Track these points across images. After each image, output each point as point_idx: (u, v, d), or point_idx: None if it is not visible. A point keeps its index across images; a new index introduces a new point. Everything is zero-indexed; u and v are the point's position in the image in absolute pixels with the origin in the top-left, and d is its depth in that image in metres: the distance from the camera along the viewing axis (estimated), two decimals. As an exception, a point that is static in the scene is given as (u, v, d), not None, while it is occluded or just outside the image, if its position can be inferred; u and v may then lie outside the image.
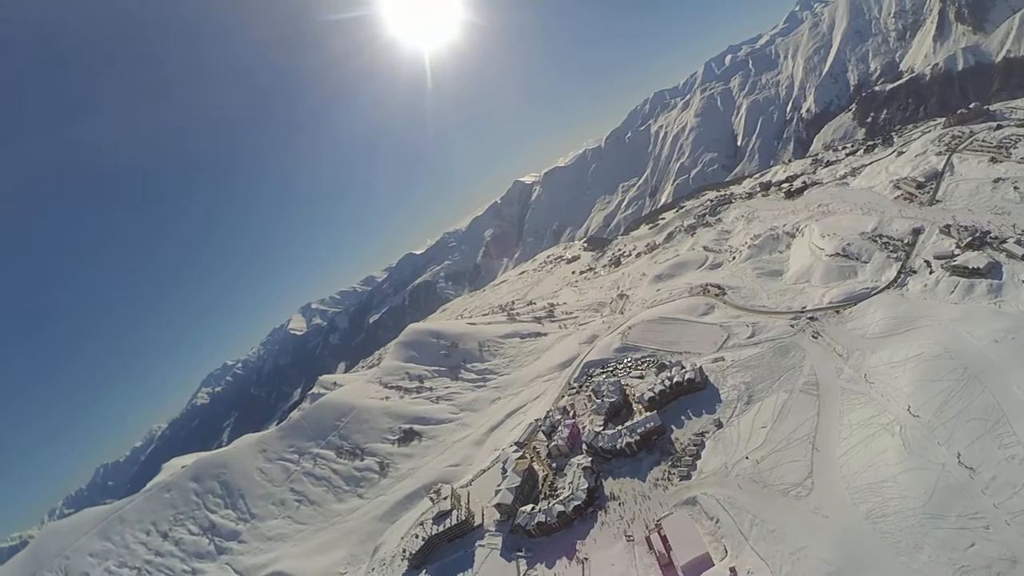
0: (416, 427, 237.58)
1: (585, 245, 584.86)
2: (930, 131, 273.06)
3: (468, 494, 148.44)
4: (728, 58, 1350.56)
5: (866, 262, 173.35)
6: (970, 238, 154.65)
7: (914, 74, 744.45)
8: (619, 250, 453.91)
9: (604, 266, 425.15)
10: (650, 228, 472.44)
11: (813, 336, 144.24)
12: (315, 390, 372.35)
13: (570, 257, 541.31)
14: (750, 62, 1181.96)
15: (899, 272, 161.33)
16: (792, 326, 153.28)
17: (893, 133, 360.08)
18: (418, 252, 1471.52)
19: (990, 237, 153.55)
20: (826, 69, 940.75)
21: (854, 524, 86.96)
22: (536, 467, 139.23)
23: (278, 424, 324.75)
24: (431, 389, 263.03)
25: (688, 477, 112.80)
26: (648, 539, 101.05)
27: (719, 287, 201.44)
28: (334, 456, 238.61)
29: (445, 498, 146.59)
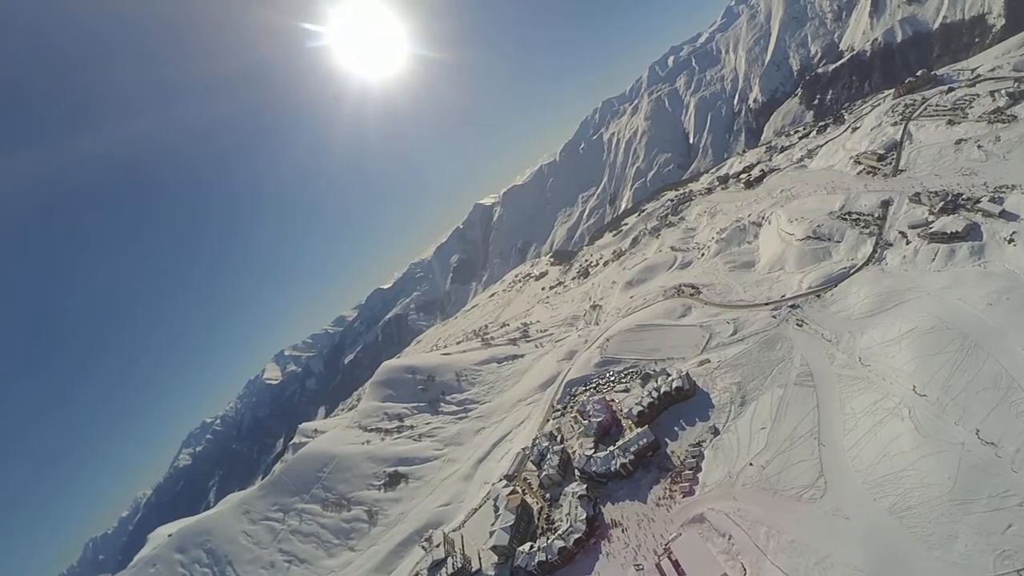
0: (401, 469, 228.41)
1: (552, 260, 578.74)
2: (880, 104, 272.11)
3: (462, 537, 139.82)
4: (671, 59, 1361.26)
5: (839, 241, 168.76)
6: (942, 203, 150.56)
7: (855, 52, 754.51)
8: (586, 261, 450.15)
9: (573, 279, 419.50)
10: (614, 235, 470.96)
11: (797, 324, 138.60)
12: (296, 439, 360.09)
13: (538, 274, 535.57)
14: (693, 60, 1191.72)
15: (875, 247, 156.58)
16: (774, 317, 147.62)
17: (843, 111, 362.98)
18: (386, 286, 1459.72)
19: (963, 199, 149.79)
20: (768, 58, 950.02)
21: (878, 522, 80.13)
22: (529, 500, 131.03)
23: (263, 478, 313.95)
24: (412, 427, 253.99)
25: (691, 493, 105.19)
26: (659, 566, 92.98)
27: (693, 286, 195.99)
28: (320, 510, 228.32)
29: (437, 545, 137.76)
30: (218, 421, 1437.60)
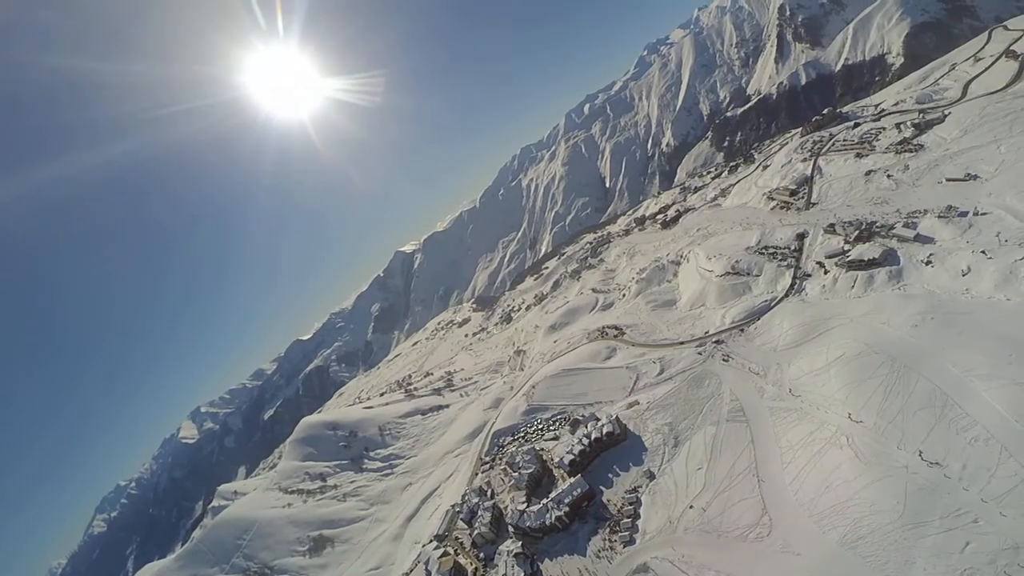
0: (326, 532, 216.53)
1: (474, 306, 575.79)
2: (788, 142, 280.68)
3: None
4: (586, 107, 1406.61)
5: (758, 275, 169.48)
6: (857, 232, 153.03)
7: (761, 95, 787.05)
8: (508, 306, 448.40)
9: (496, 324, 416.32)
10: (535, 279, 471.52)
11: (724, 359, 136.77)
12: (215, 503, 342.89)
13: (460, 320, 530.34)
14: (608, 107, 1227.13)
15: (794, 278, 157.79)
16: (700, 354, 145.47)
17: (752, 151, 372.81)
18: (305, 337, 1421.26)
19: (877, 227, 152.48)
20: (679, 104, 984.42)
21: (831, 555, 76.61)
22: (463, 561, 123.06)
23: (183, 545, 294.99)
24: (336, 486, 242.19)
25: (632, 542, 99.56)
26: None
27: (616, 327, 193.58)
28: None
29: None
30: (133, 484, 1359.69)
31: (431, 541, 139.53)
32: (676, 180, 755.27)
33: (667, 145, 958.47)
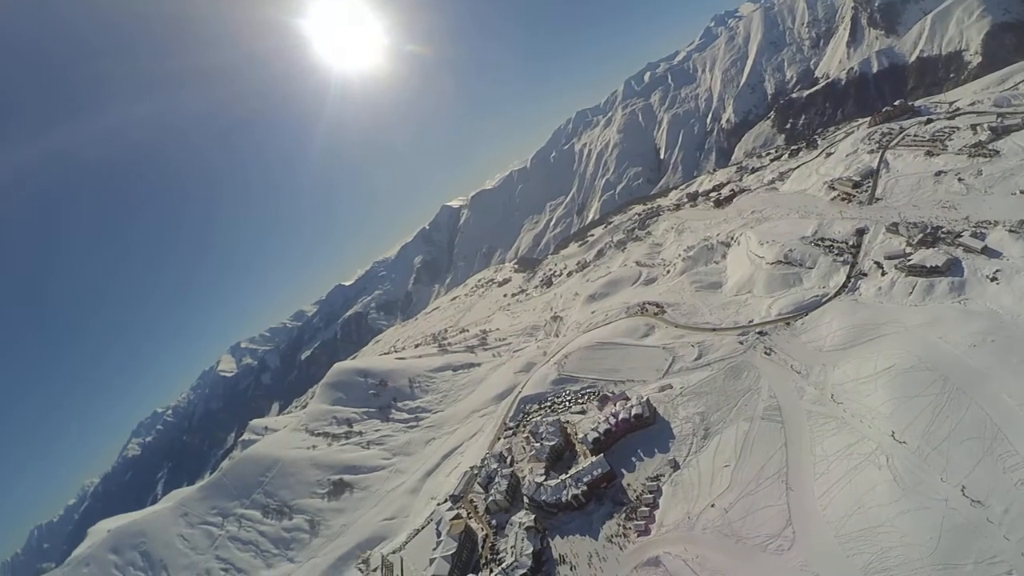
0: (346, 478, 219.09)
1: (516, 267, 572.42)
2: (855, 131, 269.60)
3: (401, 561, 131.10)
4: (647, 75, 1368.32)
5: (811, 268, 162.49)
6: (921, 235, 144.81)
7: (830, 79, 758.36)
8: (550, 270, 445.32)
9: (536, 287, 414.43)
10: (580, 246, 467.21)
11: (765, 353, 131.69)
12: (246, 436, 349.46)
13: (501, 280, 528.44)
14: (669, 77, 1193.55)
15: (848, 276, 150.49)
16: (741, 343, 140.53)
17: (816, 136, 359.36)
18: (348, 283, 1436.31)
19: (943, 232, 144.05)
20: (743, 80, 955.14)
21: (852, 583, 72.63)
22: (474, 526, 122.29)
23: (211, 474, 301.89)
24: (361, 433, 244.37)
25: (647, 532, 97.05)
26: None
27: (657, 305, 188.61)
28: (260, 516, 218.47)
29: (375, 569, 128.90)
30: (169, 412, 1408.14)
31: (446, 501, 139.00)
32: (733, 158, 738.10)
33: (727, 121, 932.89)
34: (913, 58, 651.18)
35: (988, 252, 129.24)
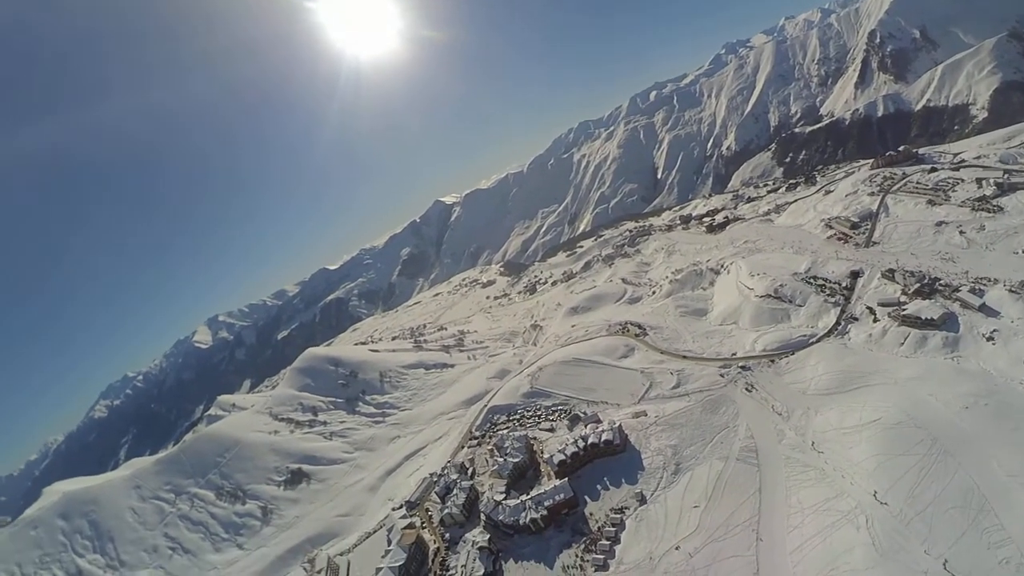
0: (305, 467, 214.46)
1: (501, 269, 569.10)
2: (856, 171, 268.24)
3: (348, 564, 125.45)
4: (653, 94, 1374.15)
5: (800, 305, 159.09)
6: (918, 284, 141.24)
7: (834, 118, 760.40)
8: (535, 277, 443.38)
9: (519, 293, 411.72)
10: (568, 256, 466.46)
11: (747, 389, 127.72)
12: (213, 411, 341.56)
13: (486, 281, 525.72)
14: (675, 98, 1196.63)
15: (839, 318, 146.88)
16: (722, 376, 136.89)
17: (815, 172, 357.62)
18: (332, 267, 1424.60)
19: (940, 284, 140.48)
20: (748, 109, 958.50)
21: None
22: (427, 536, 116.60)
23: (174, 445, 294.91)
24: (325, 423, 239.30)
25: (605, 567, 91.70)
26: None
27: (639, 326, 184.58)
28: (213, 498, 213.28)
29: (320, 571, 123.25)
30: (140, 377, 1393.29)
31: (401, 506, 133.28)
32: (730, 186, 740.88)
33: (727, 148, 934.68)
34: (919, 106, 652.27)
35: (986, 310, 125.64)
